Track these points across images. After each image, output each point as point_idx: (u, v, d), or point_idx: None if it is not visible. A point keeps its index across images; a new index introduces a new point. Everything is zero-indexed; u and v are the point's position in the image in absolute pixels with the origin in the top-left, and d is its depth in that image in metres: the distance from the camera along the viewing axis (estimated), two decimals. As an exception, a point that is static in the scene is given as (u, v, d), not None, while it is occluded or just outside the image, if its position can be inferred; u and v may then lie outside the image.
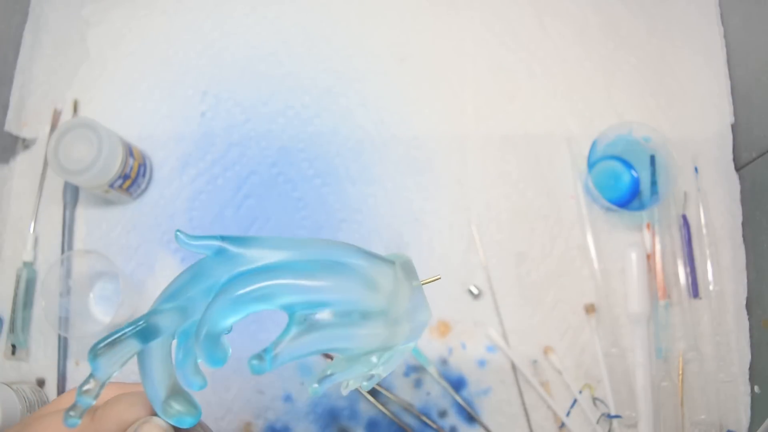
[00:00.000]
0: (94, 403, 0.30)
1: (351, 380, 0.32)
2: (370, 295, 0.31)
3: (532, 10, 0.65)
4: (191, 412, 0.30)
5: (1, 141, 0.63)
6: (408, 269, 0.33)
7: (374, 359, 0.32)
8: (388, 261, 0.33)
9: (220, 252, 0.31)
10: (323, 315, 0.30)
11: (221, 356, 0.28)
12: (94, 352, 0.29)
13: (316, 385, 0.31)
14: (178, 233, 0.30)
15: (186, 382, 0.30)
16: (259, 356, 0.28)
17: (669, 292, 0.57)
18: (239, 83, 0.64)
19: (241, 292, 0.29)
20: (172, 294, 0.30)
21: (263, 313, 0.32)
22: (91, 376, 0.29)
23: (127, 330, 0.29)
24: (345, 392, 0.33)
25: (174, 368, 0.30)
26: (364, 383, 0.32)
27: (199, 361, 0.30)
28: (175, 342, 0.31)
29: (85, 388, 0.29)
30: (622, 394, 0.55)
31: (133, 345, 0.29)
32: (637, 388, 0.55)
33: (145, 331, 0.29)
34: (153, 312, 0.30)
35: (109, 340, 0.29)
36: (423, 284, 0.33)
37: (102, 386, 0.29)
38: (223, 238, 0.30)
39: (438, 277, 0.34)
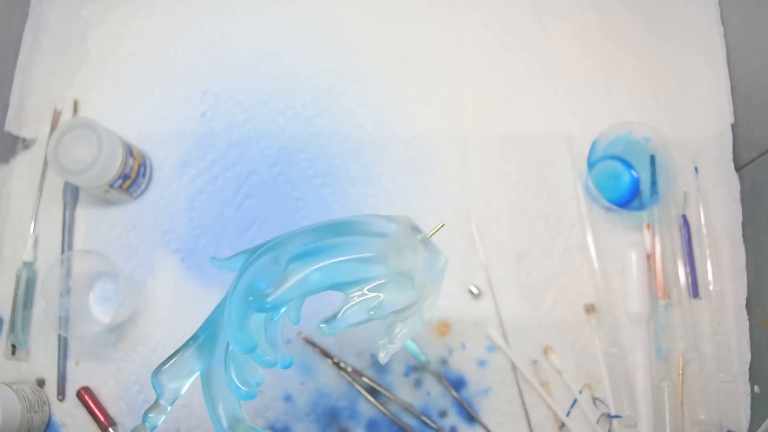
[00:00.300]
0: (159, 424, 0.30)
1: (388, 343, 0.33)
2: (374, 238, 0.34)
3: (532, 10, 0.65)
4: None
5: (1, 141, 0.63)
6: (412, 226, 0.36)
7: (380, 294, 0.33)
8: (386, 216, 0.36)
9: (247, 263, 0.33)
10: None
11: (249, 339, 0.30)
12: (158, 371, 0.30)
13: (323, 325, 0.32)
14: (212, 259, 0.34)
15: (263, 361, 0.31)
16: (264, 294, 0.30)
17: (669, 292, 0.57)
18: (239, 83, 0.64)
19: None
20: (215, 310, 0.33)
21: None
22: (155, 402, 0.30)
23: (187, 342, 0.31)
24: (383, 358, 0.34)
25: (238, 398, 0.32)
26: (397, 333, 0.34)
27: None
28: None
29: (151, 411, 0.31)
30: (622, 394, 0.55)
31: (194, 359, 0.31)
32: (637, 388, 0.55)
33: (202, 333, 0.31)
34: (206, 322, 0.32)
35: (172, 356, 0.31)
36: (431, 235, 0.36)
37: (167, 409, 0.30)
38: (246, 252, 0.33)
39: (442, 224, 0.36)
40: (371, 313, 0.32)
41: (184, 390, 0.31)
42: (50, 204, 0.62)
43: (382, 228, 0.34)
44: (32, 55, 0.66)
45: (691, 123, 0.62)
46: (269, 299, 0.30)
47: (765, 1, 0.57)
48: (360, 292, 0.32)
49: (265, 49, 0.65)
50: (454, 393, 0.56)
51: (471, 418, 0.55)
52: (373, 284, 0.32)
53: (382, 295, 0.32)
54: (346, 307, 0.32)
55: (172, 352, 0.31)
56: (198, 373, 0.31)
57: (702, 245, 0.58)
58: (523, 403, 0.56)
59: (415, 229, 0.35)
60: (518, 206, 0.60)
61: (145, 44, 0.66)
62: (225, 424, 0.31)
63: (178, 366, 0.31)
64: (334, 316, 0.32)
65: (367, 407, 0.56)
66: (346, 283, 0.32)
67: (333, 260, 0.32)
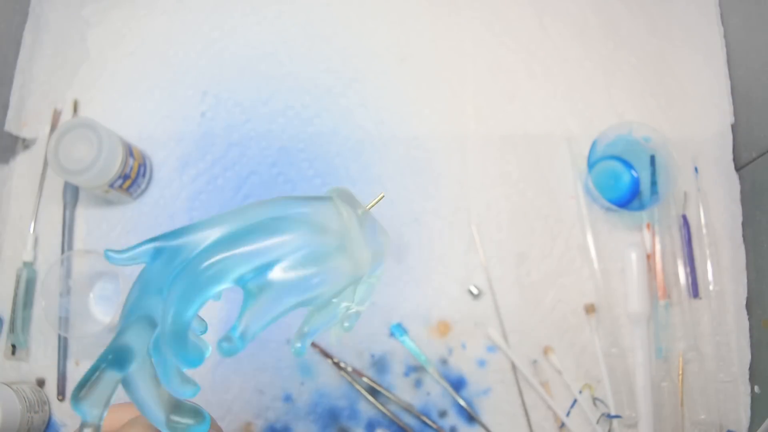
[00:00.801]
0: None
1: (334, 328, 0.32)
2: (317, 236, 0.30)
3: (532, 10, 0.65)
4: (198, 420, 0.28)
5: (1, 141, 0.63)
6: (349, 200, 0.33)
7: (344, 301, 0.32)
8: (324, 198, 0.32)
9: (158, 252, 0.29)
10: (276, 273, 0.29)
11: (195, 355, 0.27)
12: (76, 398, 0.27)
13: (298, 345, 0.30)
14: (107, 252, 0.29)
15: (177, 392, 0.28)
16: (228, 338, 0.27)
17: (669, 292, 0.57)
18: (239, 83, 0.64)
19: (192, 276, 0.28)
20: (129, 312, 0.29)
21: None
22: (83, 424, 0.27)
23: (100, 364, 0.27)
24: (334, 341, 0.33)
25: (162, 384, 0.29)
26: (345, 324, 0.32)
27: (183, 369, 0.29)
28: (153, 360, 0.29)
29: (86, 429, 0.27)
30: (622, 394, 0.55)
31: (113, 376, 0.27)
32: (637, 388, 0.55)
33: (118, 358, 0.27)
34: (117, 335, 0.28)
35: (87, 380, 0.27)
36: (369, 208, 0.33)
37: (99, 428, 0.27)
38: (155, 239, 0.29)
39: (381, 195, 0.34)
40: (346, 325, 0.32)
41: (110, 404, 0.28)
42: (50, 204, 0.62)
43: (322, 216, 0.31)
44: (32, 55, 0.66)
45: (691, 123, 0.62)
46: (242, 339, 0.27)
47: (765, 1, 0.57)
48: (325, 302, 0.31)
49: (265, 49, 0.65)
50: (454, 393, 0.56)
51: (471, 418, 0.55)
52: (347, 307, 0.32)
53: (347, 303, 0.32)
54: (315, 324, 0.31)
55: (87, 372, 0.28)
56: (117, 384, 0.28)
57: (702, 245, 0.58)
58: (523, 403, 0.56)
59: (353, 203, 0.33)
60: (518, 206, 0.60)
61: (145, 44, 0.66)
62: (162, 414, 0.28)
63: (97, 387, 0.27)
64: (306, 333, 0.31)
65: (367, 407, 0.56)
66: (311, 299, 0.30)
67: (305, 294, 0.29)
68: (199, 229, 0.29)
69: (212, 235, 0.29)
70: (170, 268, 0.29)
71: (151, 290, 0.29)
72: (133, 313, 0.28)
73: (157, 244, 0.29)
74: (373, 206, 0.33)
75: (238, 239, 0.29)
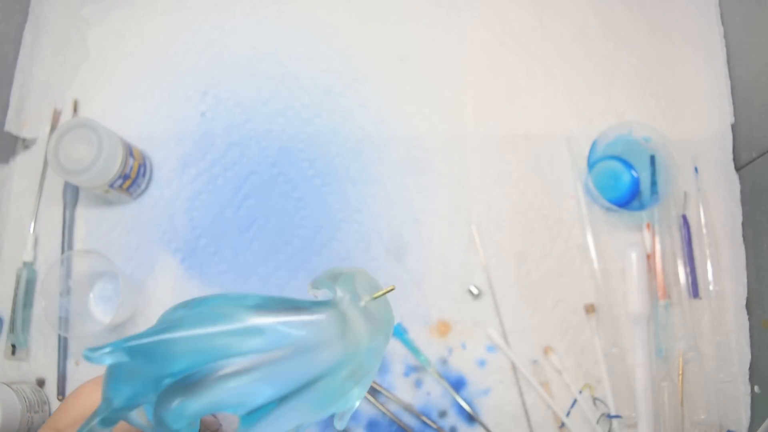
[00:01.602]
0: None
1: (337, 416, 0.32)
2: (314, 360, 0.29)
3: (532, 10, 0.65)
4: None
5: (1, 141, 0.63)
6: (352, 291, 0.31)
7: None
8: (319, 309, 0.30)
9: (134, 352, 0.29)
10: (274, 409, 0.28)
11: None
12: None
13: None
14: (84, 353, 0.28)
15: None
16: None
17: (669, 292, 0.57)
18: (239, 83, 0.64)
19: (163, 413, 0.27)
20: (113, 380, 0.29)
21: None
22: None
23: (91, 422, 0.28)
24: (338, 426, 0.32)
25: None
26: (338, 423, 0.32)
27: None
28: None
29: None
30: (622, 394, 0.55)
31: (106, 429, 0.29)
32: (637, 388, 0.55)
33: (106, 420, 0.29)
34: (104, 402, 0.29)
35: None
36: (376, 297, 0.31)
37: None
38: (129, 339, 0.29)
39: (391, 287, 0.31)
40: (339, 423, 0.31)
41: None
42: (50, 204, 0.62)
43: (317, 334, 0.29)
44: (32, 55, 0.66)
45: (691, 123, 0.62)
46: None
47: (765, 1, 0.57)
48: None
49: (265, 49, 0.65)
50: (454, 393, 0.56)
51: (471, 418, 0.55)
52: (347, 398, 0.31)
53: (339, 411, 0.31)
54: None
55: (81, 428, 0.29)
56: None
57: (702, 245, 0.58)
58: (523, 403, 0.56)
59: (354, 296, 0.31)
60: (518, 206, 0.60)
61: (145, 44, 0.66)
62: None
63: None
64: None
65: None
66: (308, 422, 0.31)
67: (301, 419, 0.29)
68: (176, 329, 0.28)
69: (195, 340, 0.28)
70: (154, 369, 0.28)
71: (135, 378, 0.29)
72: (119, 385, 0.29)
73: (131, 343, 0.28)
74: (378, 296, 0.31)
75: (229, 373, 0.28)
